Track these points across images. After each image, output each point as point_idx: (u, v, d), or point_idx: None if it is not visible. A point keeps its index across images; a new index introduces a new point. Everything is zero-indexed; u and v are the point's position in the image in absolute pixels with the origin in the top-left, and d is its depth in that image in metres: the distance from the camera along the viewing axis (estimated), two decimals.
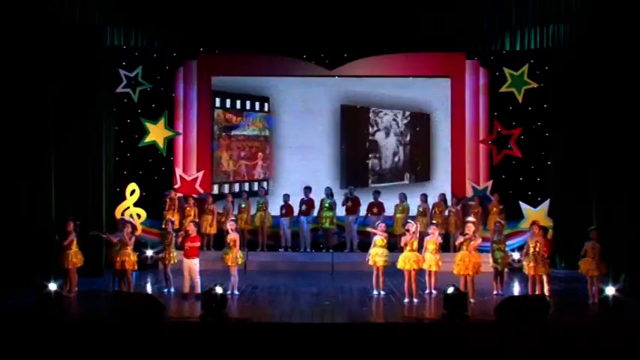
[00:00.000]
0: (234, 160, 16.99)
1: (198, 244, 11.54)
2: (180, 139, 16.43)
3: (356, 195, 15.77)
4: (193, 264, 11.36)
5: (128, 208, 15.10)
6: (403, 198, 15.56)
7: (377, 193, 15.86)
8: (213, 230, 15.17)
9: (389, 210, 15.61)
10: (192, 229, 11.58)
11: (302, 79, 16.55)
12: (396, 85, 16.69)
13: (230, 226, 11.99)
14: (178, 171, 16.22)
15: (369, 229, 12.12)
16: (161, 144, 16.14)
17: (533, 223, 11.64)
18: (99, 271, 13.26)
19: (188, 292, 11.32)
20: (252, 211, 15.48)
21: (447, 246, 14.70)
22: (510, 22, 13.44)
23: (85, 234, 12.15)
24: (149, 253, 14.26)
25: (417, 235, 11.48)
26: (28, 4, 12.15)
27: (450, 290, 9.43)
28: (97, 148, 13.78)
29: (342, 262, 14.95)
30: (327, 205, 15.42)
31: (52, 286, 9.69)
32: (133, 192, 15.23)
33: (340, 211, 15.70)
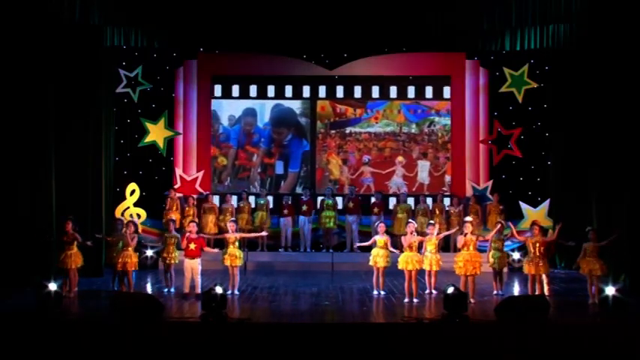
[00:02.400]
0: (352, 167, 15.63)
1: (199, 244, 11.51)
2: (180, 139, 16.43)
3: (357, 195, 15.77)
4: (196, 264, 11.36)
5: (128, 208, 15.12)
6: (404, 198, 15.56)
7: (378, 192, 15.86)
8: (213, 230, 15.17)
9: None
10: (192, 229, 11.58)
11: None
12: None
13: (230, 226, 11.98)
14: (178, 171, 16.22)
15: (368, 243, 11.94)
16: (161, 144, 16.14)
17: (534, 223, 11.63)
18: (99, 271, 13.26)
19: (188, 292, 11.32)
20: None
21: (447, 246, 14.73)
22: (510, 22, 13.43)
23: (84, 233, 12.13)
24: (149, 253, 14.29)
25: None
26: (28, 4, 12.15)
27: (450, 290, 9.42)
28: (97, 148, 13.78)
29: (342, 262, 14.96)
30: (328, 205, 15.42)
31: (52, 286, 9.67)
32: (133, 192, 15.25)
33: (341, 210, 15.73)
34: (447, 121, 15.89)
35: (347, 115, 14.99)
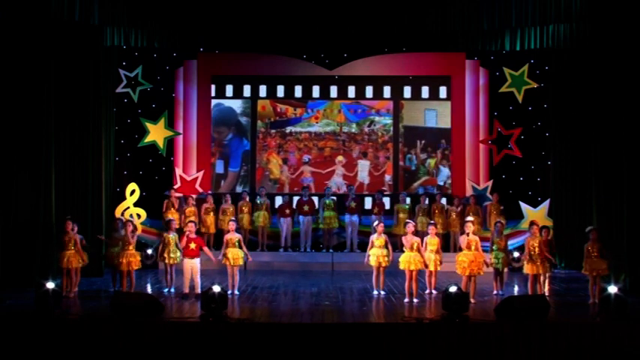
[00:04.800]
0: (292, 166, 15.50)
1: (199, 244, 11.49)
2: (180, 139, 16.43)
3: (357, 195, 15.76)
4: (195, 264, 11.35)
5: (128, 208, 15.11)
6: (404, 198, 15.56)
7: (378, 192, 15.86)
8: (213, 230, 15.18)
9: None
10: (192, 229, 11.56)
11: None
12: None
13: (230, 226, 11.98)
14: (178, 171, 16.22)
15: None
16: (161, 144, 16.14)
17: (532, 223, 11.62)
18: (99, 271, 13.26)
19: (188, 292, 11.32)
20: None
21: (447, 246, 14.74)
22: (510, 22, 13.42)
23: (84, 234, 12.14)
24: (149, 252, 14.30)
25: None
26: (28, 4, 12.15)
27: (453, 289, 9.41)
28: (97, 148, 13.77)
29: (342, 262, 14.96)
30: (327, 204, 15.40)
31: (50, 285, 9.65)
32: (133, 192, 15.24)
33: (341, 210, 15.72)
34: (388, 120, 15.93)
35: (287, 115, 15.05)
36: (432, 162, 16.39)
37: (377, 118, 16.13)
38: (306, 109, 15.34)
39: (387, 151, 16.29)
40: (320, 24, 13.72)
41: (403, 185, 16.39)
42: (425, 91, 16.52)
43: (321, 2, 13.37)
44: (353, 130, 15.70)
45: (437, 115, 16.18)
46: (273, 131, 15.41)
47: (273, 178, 15.66)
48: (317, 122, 15.09)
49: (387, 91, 16.38)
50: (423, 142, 16.34)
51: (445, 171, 16.40)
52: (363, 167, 15.78)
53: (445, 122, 16.38)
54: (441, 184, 16.41)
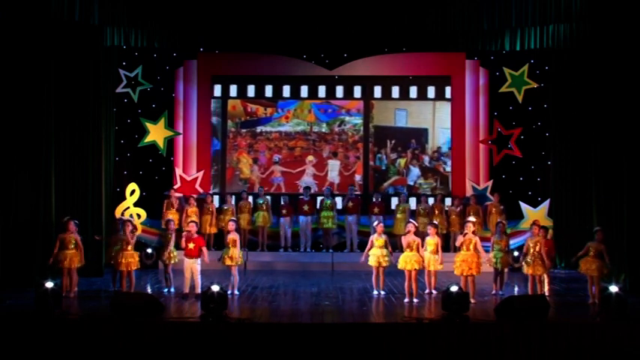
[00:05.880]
0: (262, 166, 15.55)
1: (198, 244, 11.46)
2: (180, 139, 16.43)
3: (357, 195, 15.76)
4: (195, 264, 11.34)
5: (128, 208, 15.11)
6: (405, 198, 15.56)
7: (378, 192, 15.86)
8: (213, 230, 15.18)
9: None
10: (192, 229, 11.56)
11: None
12: None
13: (230, 226, 11.98)
14: (178, 171, 16.22)
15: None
16: (161, 144, 16.15)
17: (534, 223, 11.63)
18: (99, 271, 13.26)
19: (188, 292, 11.32)
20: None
21: (447, 246, 14.73)
22: (510, 22, 13.43)
23: (84, 233, 12.14)
24: (149, 251, 14.29)
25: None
26: (28, 4, 12.16)
27: (454, 289, 9.41)
28: (97, 148, 13.77)
29: (342, 262, 14.96)
30: (327, 204, 15.40)
31: (49, 284, 9.64)
32: (133, 192, 15.24)
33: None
34: (358, 120, 15.97)
35: (258, 115, 15.13)
36: (402, 162, 16.43)
37: (347, 118, 16.19)
38: (276, 108, 15.42)
39: (357, 151, 16.33)
40: (320, 24, 13.71)
41: (373, 185, 16.39)
42: (401, 91, 16.51)
43: (321, 2, 13.36)
44: (323, 130, 15.79)
45: (407, 115, 16.20)
46: (243, 131, 15.52)
47: (244, 177, 15.78)
48: (287, 122, 15.19)
49: (357, 90, 16.35)
50: (393, 141, 16.36)
51: (415, 171, 16.45)
52: (334, 167, 15.87)
53: (415, 122, 16.40)
54: (411, 183, 16.43)
